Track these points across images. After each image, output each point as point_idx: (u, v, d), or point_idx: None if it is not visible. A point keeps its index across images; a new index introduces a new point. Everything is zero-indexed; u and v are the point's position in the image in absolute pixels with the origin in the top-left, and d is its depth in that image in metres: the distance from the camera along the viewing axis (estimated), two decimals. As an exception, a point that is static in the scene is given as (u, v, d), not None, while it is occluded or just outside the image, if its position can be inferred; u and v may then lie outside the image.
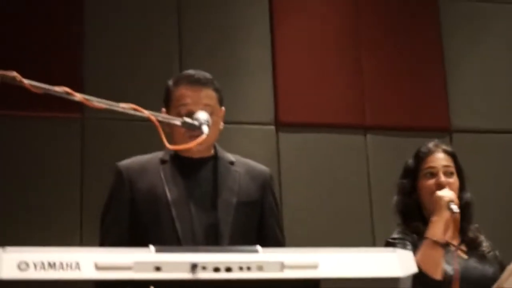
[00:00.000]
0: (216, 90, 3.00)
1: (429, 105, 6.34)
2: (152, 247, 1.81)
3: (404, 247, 3.22)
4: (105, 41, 5.81)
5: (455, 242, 3.32)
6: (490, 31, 6.63)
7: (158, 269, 1.80)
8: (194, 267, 1.77)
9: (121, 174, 2.95)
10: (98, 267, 1.82)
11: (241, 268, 1.85)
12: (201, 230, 2.83)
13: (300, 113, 6.06)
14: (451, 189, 3.32)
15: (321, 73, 6.19)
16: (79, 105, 5.31)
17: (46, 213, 5.34)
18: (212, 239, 2.81)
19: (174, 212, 2.84)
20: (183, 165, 2.95)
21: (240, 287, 1.83)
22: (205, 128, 2.59)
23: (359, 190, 5.99)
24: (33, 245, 2.00)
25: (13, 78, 2.24)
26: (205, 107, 2.87)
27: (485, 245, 3.39)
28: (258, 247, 1.98)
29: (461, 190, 3.40)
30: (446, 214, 3.21)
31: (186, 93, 2.92)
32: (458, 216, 3.22)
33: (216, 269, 1.82)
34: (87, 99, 2.31)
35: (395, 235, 3.35)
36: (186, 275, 1.80)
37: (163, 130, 2.46)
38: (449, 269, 3.19)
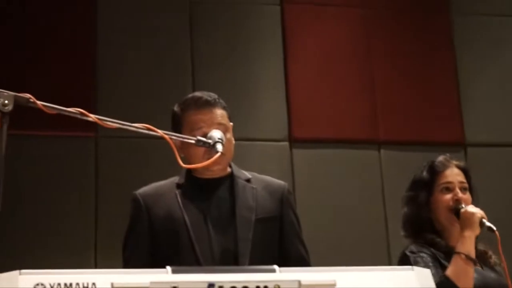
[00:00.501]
0: (224, 107, 2.99)
1: (443, 119, 6.31)
2: (168, 268, 1.81)
3: (423, 259, 3.22)
4: (118, 61, 5.82)
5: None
6: (504, 44, 6.62)
7: (175, 289, 1.79)
8: (211, 287, 1.76)
9: (139, 201, 2.96)
10: (114, 288, 1.82)
11: (258, 288, 1.84)
12: (220, 250, 2.82)
13: (314, 129, 6.05)
14: (467, 205, 3.31)
15: (334, 88, 6.19)
16: (93, 124, 5.41)
17: (61, 232, 5.34)
18: (232, 259, 2.79)
19: (192, 236, 2.83)
20: (199, 187, 2.94)
21: (258, 306, 1.82)
22: (219, 146, 2.59)
23: (373, 205, 5.96)
24: (47, 266, 2.00)
25: (27, 100, 2.25)
26: (219, 127, 2.88)
27: (494, 257, 3.39)
28: (275, 267, 1.97)
29: None
30: (477, 231, 3.20)
31: (198, 117, 2.92)
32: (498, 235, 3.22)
33: (233, 289, 1.82)
34: (101, 119, 2.31)
35: (413, 248, 3.33)
36: (203, 295, 1.79)
37: (178, 155, 2.45)
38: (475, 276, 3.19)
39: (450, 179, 3.39)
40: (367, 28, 6.41)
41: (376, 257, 5.51)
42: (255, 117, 5.84)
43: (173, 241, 2.84)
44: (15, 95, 2.19)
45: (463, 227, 3.23)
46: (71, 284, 1.89)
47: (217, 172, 2.93)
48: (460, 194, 3.35)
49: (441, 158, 3.48)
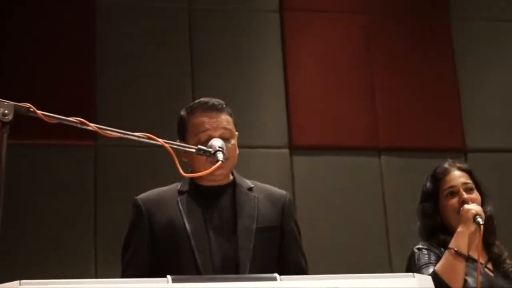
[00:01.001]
0: (231, 115, 3.00)
1: (443, 125, 6.31)
2: (169, 277, 1.80)
3: (426, 256, 3.23)
4: (118, 70, 5.82)
5: (482, 258, 3.30)
6: (504, 50, 6.61)
7: (175, 299, 1.79)
8: (211, 296, 1.76)
9: (140, 207, 2.95)
10: (115, 298, 1.81)
11: (259, 297, 1.84)
12: (221, 259, 2.81)
13: (314, 136, 6.04)
14: (476, 204, 3.30)
15: (334, 95, 6.18)
16: (92, 132, 5.40)
17: (60, 242, 5.32)
18: (232, 267, 2.79)
19: (193, 243, 2.82)
20: (201, 194, 2.94)
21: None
22: (219, 155, 2.59)
23: (374, 212, 5.95)
24: (47, 276, 1.99)
25: (27, 109, 2.25)
26: (224, 131, 2.89)
27: (509, 262, 3.37)
28: (276, 275, 1.97)
29: (482, 205, 3.38)
30: (471, 227, 3.18)
31: (204, 120, 2.92)
32: (482, 230, 3.19)
33: (234, 298, 1.81)
34: (101, 129, 2.31)
35: (422, 245, 3.33)
36: (204, 305, 1.79)
37: (180, 160, 2.45)
38: (471, 281, 3.17)
39: (453, 183, 3.39)
40: (367, 34, 6.40)
41: (377, 263, 5.51)
42: (255, 124, 5.84)
43: (174, 249, 2.84)
44: (15, 105, 2.19)
45: (460, 224, 3.22)
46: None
47: (220, 179, 2.93)
48: (465, 195, 3.35)
49: (444, 164, 3.48)
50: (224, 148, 2.68)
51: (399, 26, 6.49)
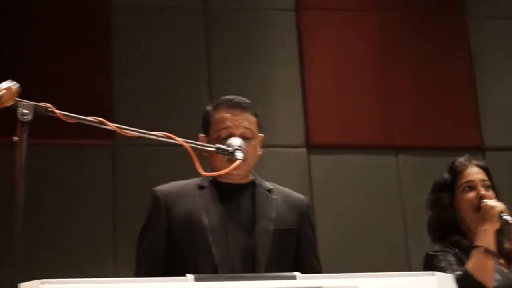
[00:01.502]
0: (255, 115, 3.00)
1: (460, 123, 6.29)
2: (190, 276, 1.80)
3: (446, 258, 3.20)
4: (134, 70, 5.83)
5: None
6: (521, 48, 6.59)
7: (196, 298, 1.79)
8: (234, 295, 1.76)
9: (158, 199, 2.95)
10: (136, 297, 1.82)
11: (279, 295, 1.84)
12: (237, 256, 2.81)
13: (331, 135, 6.04)
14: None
15: (350, 94, 6.18)
16: (110, 132, 5.42)
17: (79, 241, 5.34)
18: (248, 266, 2.79)
19: (210, 238, 2.82)
20: (221, 191, 2.94)
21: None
22: (239, 154, 2.58)
23: (392, 211, 5.94)
24: (67, 275, 2.00)
25: (46, 109, 2.25)
26: (245, 131, 2.89)
27: None
28: (296, 273, 1.97)
29: None
30: (497, 224, 3.17)
31: (226, 117, 2.93)
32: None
33: (255, 297, 1.81)
34: (120, 128, 2.31)
35: (437, 248, 3.31)
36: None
37: (200, 157, 2.45)
38: (497, 277, 3.15)
39: (471, 177, 3.37)
40: (383, 33, 6.39)
41: (395, 262, 5.50)
42: (272, 123, 5.84)
43: (190, 243, 2.84)
44: (35, 105, 2.20)
45: (482, 221, 3.20)
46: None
47: (237, 178, 2.93)
48: (483, 191, 3.33)
49: (461, 158, 3.46)
50: (243, 147, 2.67)
51: (415, 24, 6.47)
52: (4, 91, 2.15)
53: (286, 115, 6.04)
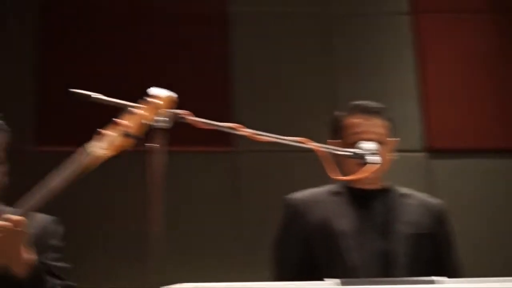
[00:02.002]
0: (388, 120, 3.00)
1: None
2: (337, 280, 1.81)
3: None
4: (254, 77, 5.85)
5: None
6: None
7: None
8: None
9: (292, 207, 2.98)
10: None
11: (418, 299, 1.83)
12: (373, 261, 2.82)
13: (452, 138, 5.93)
14: None
15: (472, 96, 6.06)
16: (231, 138, 5.48)
17: (210, 247, 5.37)
18: (384, 271, 2.79)
19: (346, 244, 2.84)
20: (355, 196, 2.95)
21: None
22: (375, 158, 2.58)
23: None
24: (203, 280, 2.03)
25: (183, 116, 2.31)
26: (378, 136, 2.89)
27: None
28: (434, 278, 1.96)
29: None
30: None
31: (358, 122, 2.94)
32: None
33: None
34: (255, 134, 2.34)
35: None
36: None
37: (331, 159, 2.46)
38: None
39: None
40: (500, 33, 6.26)
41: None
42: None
43: (325, 249, 2.86)
44: (175, 113, 2.26)
45: None
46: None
47: (368, 183, 2.92)
48: None
49: None
50: (376, 152, 2.67)
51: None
52: (162, 99, 2.22)
53: (403, 119, 5.97)
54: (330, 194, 2.97)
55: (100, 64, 5.66)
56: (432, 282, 1.96)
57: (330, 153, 2.52)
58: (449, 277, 2.73)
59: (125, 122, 2.21)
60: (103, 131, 2.24)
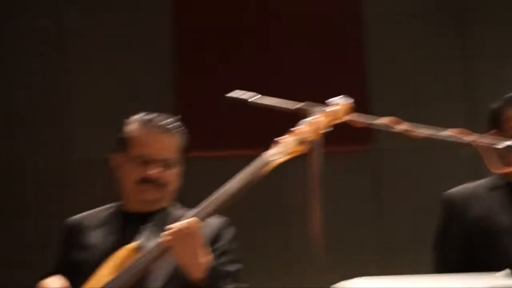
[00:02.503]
0: None
1: None
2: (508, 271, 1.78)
3: None
4: (390, 61, 5.80)
5: None
6: None
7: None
8: None
9: (451, 202, 2.94)
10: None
11: None
12: None
13: None
14: None
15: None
16: (369, 137, 5.45)
17: (345, 244, 5.34)
18: None
19: (507, 239, 2.77)
20: None
21: None
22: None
23: None
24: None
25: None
26: None
27: None
28: None
29: None
30: None
31: None
32: None
33: None
34: (409, 130, 2.31)
35: None
36: None
37: (491, 152, 2.41)
38: None
39: None
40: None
41: None
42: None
43: (487, 245, 2.80)
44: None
45: None
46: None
47: None
48: None
49: None
50: None
51: None
52: (340, 106, 2.24)
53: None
54: (489, 189, 2.90)
55: (232, 69, 5.72)
56: None
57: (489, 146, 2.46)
58: None
59: (303, 128, 2.23)
60: (280, 138, 2.27)
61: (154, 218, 2.57)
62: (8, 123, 5.65)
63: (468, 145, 2.40)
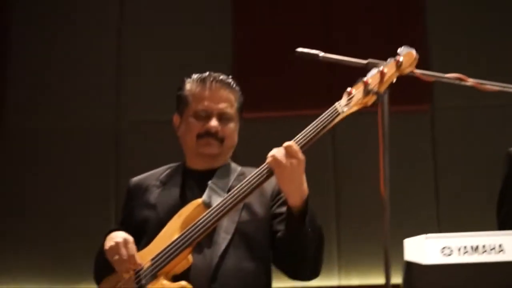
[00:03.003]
0: None
1: None
2: None
3: None
4: (450, 22, 5.71)
5: None
6: None
7: None
8: None
9: None
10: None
11: None
12: None
13: None
14: None
15: None
16: (428, 97, 5.39)
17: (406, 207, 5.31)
18: None
19: None
20: None
21: None
22: None
23: None
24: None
25: (412, 70, 2.28)
26: None
27: None
28: None
29: None
30: None
31: None
32: None
33: None
34: (480, 84, 2.26)
35: None
36: None
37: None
38: None
39: None
40: None
41: None
42: None
43: None
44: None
45: None
46: (477, 247, 1.90)
47: None
48: None
49: None
50: None
51: None
52: (405, 57, 2.21)
53: None
54: None
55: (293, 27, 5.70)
56: None
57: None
58: None
59: (370, 79, 2.23)
60: (349, 89, 2.28)
61: (216, 174, 2.58)
62: (72, 89, 5.77)
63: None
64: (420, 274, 1.91)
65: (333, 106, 2.29)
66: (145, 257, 2.38)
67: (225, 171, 2.61)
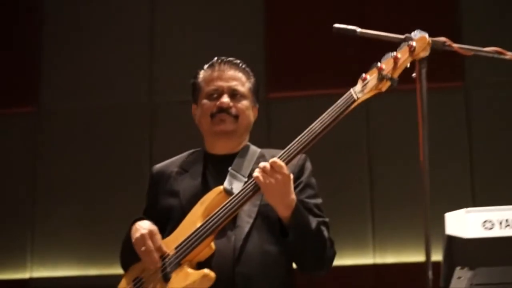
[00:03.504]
0: None
1: None
2: None
3: None
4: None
5: None
6: None
7: None
8: None
9: None
10: None
11: None
12: None
13: None
14: None
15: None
16: (460, 74, 5.36)
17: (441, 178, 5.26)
18: None
19: None
20: None
21: None
22: None
23: None
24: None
25: (443, 43, 2.27)
26: None
27: None
28: None
29: None
30: None
31: None
32: None
33: None
34: (516, 59, 2.25)
35: None
36: None
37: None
38: None
39: None
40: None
41: None
42: None
43: None
44: (432, 40, 2.23)
45: None
46: (516, 220, 1.91)
47: None
48: None
49: None
50: None
51: None
52: (418, 42, 2.21)
53: None
54: None
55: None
56: None
57: None
58: None
59: (384, 65, 2.24)
60: (363, 75, 2.28)
61: (236, 159, 2.59)
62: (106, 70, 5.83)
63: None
64: (462, 247, 1.92)
65: (348, 93, 2.31)
66: (170, 244, 2.42)
67: (245, 154, 2.62)
